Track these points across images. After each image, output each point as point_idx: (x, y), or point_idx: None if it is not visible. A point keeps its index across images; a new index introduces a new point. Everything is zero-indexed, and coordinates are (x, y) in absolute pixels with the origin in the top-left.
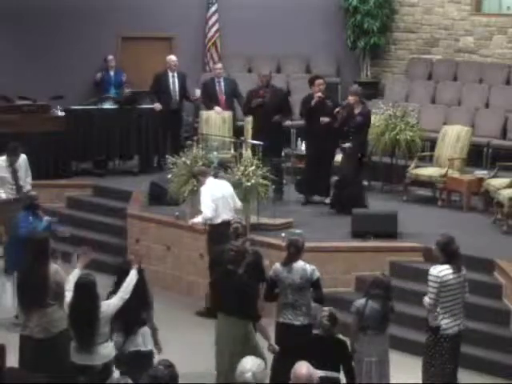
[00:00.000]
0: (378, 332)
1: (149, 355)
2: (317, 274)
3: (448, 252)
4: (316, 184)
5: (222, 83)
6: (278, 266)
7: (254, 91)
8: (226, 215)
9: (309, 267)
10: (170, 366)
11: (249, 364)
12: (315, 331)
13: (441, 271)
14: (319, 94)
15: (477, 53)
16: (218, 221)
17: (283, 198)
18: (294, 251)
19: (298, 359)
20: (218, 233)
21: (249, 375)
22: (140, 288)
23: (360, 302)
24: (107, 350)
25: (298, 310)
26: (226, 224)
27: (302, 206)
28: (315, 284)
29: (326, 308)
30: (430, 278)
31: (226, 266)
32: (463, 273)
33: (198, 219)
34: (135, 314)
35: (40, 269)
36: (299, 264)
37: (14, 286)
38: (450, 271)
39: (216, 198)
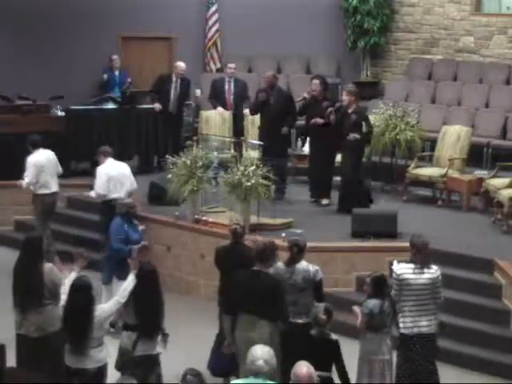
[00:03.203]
0: (389, 330)
1: (157, 357)
2: (319, 275)
3: (414, 251)
4: (318, 184)
5: (232, 84)
6: (280, 265)
7: (259, 91)
8: (117, 193)
9: (312, 268)
10: (197, 374)
11: (259, 352)
12: (311, 331)
13: (399, 269)
14: (305, 93)
15: (477, 53)
16: (110, 197)
17: (284, 197)
18: (297, 252)
19: (294, 357)
20: (108, 208)
21: (261, 362)
22: (151, 292)
23: (372, 302)
24: (101, 354)
25: (299, 309)
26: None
27: (310, 202)
28: (316, 285)
29: (321, 304)
30: (392, 274)
31: (250, 266)
32: (432, 275)
33: (91, 193)
34: (152, 319)
35: (34, 268)
36: (302, 265)
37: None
38: (410, 271)
39: (110, 177)
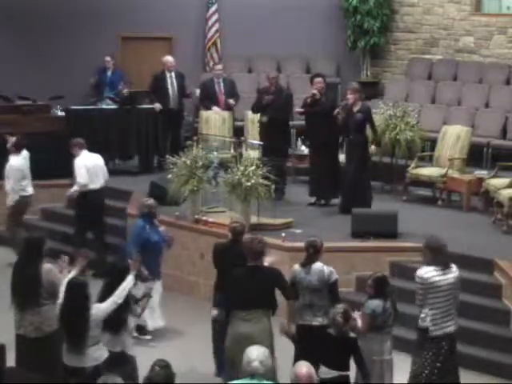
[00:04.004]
0: (390, 330)
1: (119, 357)
2: (334, 276)
3: (434, 254)
4: (319, 185)
5: (222, 84)
6: (296, 267)
7: (263, 91)
8: (94, 185)
9: (326, 269)
10: (165, 366)
11: (254, 353)
12: (329, 330)
13: (426, 272)
14: (314, 91)
15: (477, 53)
16: (87, 188)
17: (284, 197)
18: (313, 252)
19: (312, 359)
20: (87, 199)
21: (256, 363)
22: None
23: (375, 303)
24: (98, 352)
25: (316, 310)
26: (94, 192)
27: (308, 205)
28: (331, 286)
29: (340, 305)
30: (416, 279)
31: (244, 263)
32: (455, 273)
33: (74, 188)
34: (120, 315)
35: (32, 268)
36: (317, 265)
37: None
38: (435, 273)
39: (88, 168)
